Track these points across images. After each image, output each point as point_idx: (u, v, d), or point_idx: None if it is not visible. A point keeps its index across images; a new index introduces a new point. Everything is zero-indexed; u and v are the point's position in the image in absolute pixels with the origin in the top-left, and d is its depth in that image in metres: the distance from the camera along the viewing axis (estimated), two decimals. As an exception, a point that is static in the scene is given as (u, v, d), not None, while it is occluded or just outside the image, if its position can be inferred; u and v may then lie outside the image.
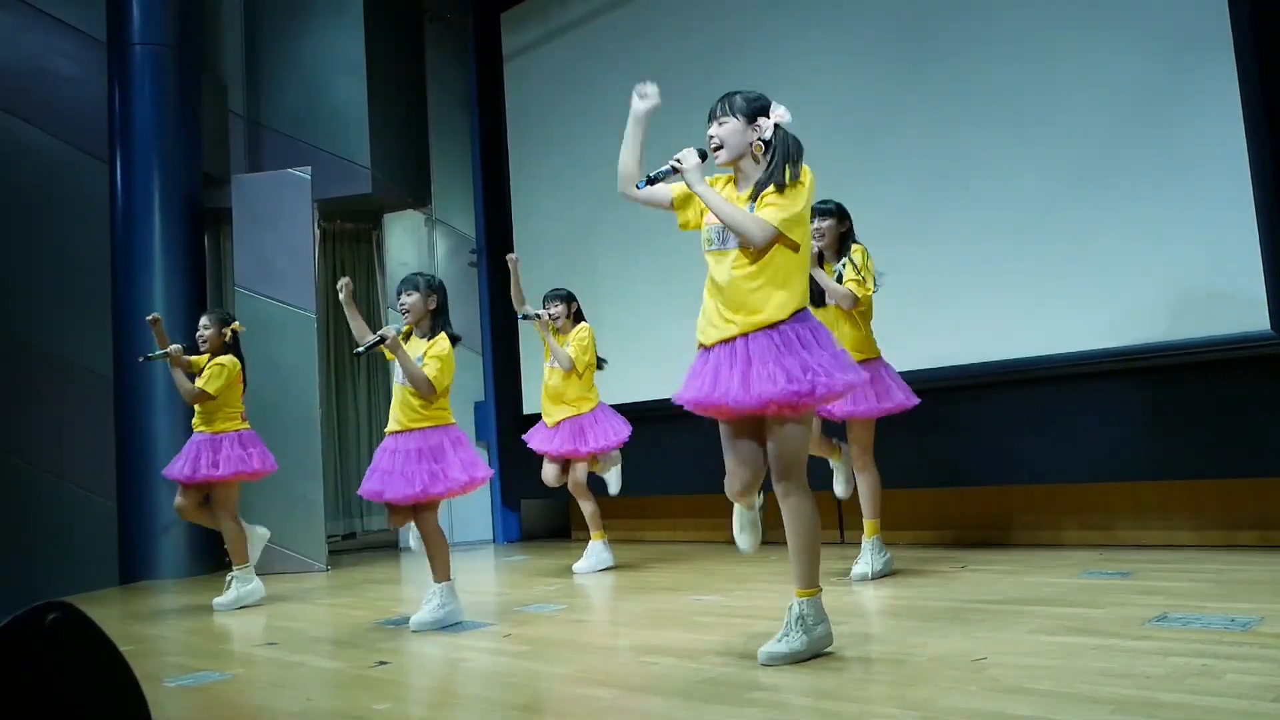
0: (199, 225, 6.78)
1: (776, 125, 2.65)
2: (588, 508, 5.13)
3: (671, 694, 2.38)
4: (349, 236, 8.08)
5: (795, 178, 2.60)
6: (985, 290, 4.63)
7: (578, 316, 5.19)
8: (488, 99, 7.56)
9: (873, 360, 3.93)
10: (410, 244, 7.89)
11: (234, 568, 4.73)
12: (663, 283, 5.29)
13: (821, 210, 3.91)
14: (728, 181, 2.74)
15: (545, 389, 5.16)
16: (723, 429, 2.77)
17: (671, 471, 5.74)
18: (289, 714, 2.45)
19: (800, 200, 2.60)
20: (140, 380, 6.24)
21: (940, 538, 5.03)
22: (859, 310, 3.92)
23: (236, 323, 4.90)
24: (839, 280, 3.87)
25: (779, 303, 2.62)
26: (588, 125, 6.68)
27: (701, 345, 2.75)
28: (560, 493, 5.35)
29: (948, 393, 4.65)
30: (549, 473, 5.20)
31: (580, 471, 5.10)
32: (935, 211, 4.84)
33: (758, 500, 2.95)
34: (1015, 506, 4.91)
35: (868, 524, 3.97)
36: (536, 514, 7.50)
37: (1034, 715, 1.89)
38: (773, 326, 2.62)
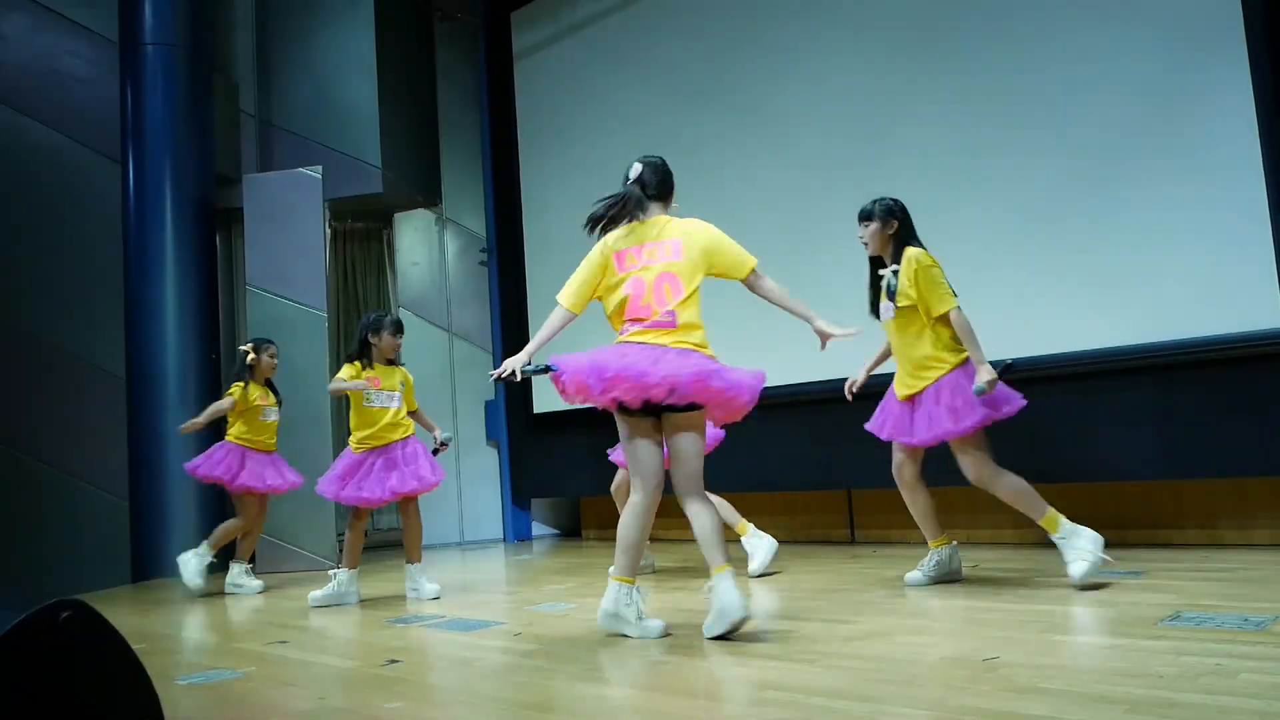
0: (210, 225, 6.81)
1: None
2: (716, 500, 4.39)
3: (683, 693, 2.37)
4: (360, 236, 8.10)
5: None
6: (997, 290, 4.61)
7: None
8: (498, 98, 7.57)
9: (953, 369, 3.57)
10: (421, 243, 7.91)
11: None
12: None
13: (861, 213, 3.64)
14: None
15: None
16: None
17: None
18: (301, 713, 2.46)
19: None
20: (153, 380, 6.28)
21: (951, 538, 5.00)
22: (941, 323, 3.52)
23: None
24: (889, 288, 3.52)
25: None
26: (598, 123, 6.68)
27: None
28: (570, 491, 5.31)
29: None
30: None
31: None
32: (947, 211, 4.81)
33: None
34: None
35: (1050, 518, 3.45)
36: (547, 513, 7.51)
37: (1047, 715, 1.87)
38: None
